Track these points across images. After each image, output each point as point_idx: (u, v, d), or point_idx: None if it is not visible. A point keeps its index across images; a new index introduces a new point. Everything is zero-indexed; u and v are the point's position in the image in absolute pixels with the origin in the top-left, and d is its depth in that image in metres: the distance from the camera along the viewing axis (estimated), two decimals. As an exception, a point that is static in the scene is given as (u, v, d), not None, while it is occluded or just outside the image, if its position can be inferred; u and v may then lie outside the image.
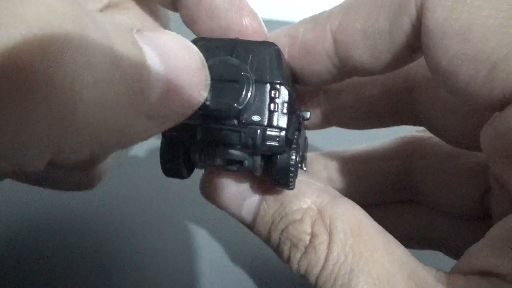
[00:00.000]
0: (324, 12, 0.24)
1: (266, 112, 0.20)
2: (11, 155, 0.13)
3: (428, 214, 0.29)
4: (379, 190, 0.30)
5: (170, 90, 0.16)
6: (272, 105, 0.20)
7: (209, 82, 0.18)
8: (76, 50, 0.13)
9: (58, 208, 0.36)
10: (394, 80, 0.28)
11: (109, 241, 0.35)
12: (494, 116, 0.21)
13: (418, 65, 0.26)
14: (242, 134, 0.19)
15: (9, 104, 0.12)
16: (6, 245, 0.34)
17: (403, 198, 0.30)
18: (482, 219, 0.27)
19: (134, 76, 0.15)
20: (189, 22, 0.23)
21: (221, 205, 0.23)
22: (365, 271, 0.20)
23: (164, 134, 0.21)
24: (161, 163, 0.22)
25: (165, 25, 0.27)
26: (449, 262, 0.26)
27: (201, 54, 0.18)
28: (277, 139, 0.19)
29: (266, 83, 0.20)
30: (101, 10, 0.25)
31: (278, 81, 0.20)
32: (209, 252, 0.35)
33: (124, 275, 0.33)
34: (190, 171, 0.23)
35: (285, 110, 0.20)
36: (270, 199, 0.22)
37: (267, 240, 0.23)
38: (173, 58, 0.16)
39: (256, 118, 0.20)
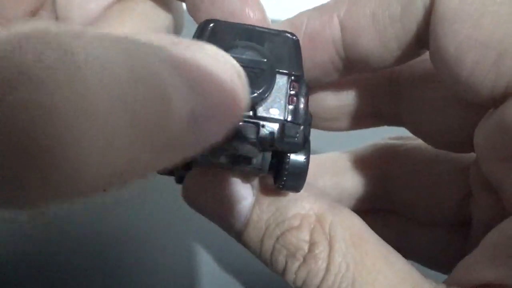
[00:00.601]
0: (330, 1, 0.23)
1: (284, 105, 0.18)
2: None
3: (404, 223, 0.29)
4: (352, 198, 0.30)
5: (194, 127, 0.13)
6: (291, 99, 0.18)
7: (247, 102, 0.15)
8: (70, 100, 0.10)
9: (55, 209, 0.34)
10: (377, 80, 0.27)
11: (107, 242, 0.34)
12: (490, 111, 0.21)
13: (403, 65, 0.26)
14: (261, 127, 0.17)
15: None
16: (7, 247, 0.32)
17: (377, 207, 0.30)
18: (461, 228, 0.27)
19: (152, 114, 0.12)
20: (192, 11, 0.21)
21: (206, 211, 0.21)
22: (368, 282, 0.19)
23: None
24: None
25: (178, 20, 0.25)
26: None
27: (245, 81, 0.14)
28: (296, 135, 0.18)
29: (285, 74, 0.18)
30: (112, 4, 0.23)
31: (298, 74, 0.18)
32: (209, 254, 0.34)
33: (122, 276, 0.32)
34: (185, 171, 0.20)
35: (302, 105, 0.18)
36: (264, 203, 0.21)
37: (257, 249, 0.21)
38: (206, 91, 0.13)
39: (274, 111, 0.18)
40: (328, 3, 0.23)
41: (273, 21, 0.23)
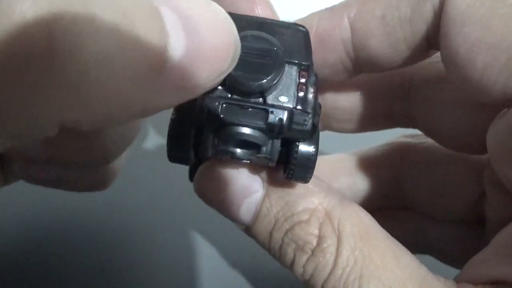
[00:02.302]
0: (340, 2, 0.23)
1: (293, 93, 0.18)
2: (22, 126, 0.13)
3: (420, 220, 0.29)
4: (367, 197, 0.30)
5: (188, 70, 0.15)
6: (300, 87, 0.18)
7: (236, 60, 0.16)
8: (81, 28, 0.13)
9: (56, 209, 0.35)
10: (390, 82, 0.27)
11: (106, 242, 0.34)
12: (502, 112, 0.21)
13: (415, 66, 0.26)
14: (270, 113, 0.18)
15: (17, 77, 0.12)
16: (8, 248, 0.33)
17: (393, 204, 0.30)
18: (476, 224, 0.27)
19: (148, 54, 0.14)
20: None
21: (217, 203, 0.22)
22: (376, 277, 0.19)
23: (178, 110, 0.19)
24: (168, 144, 0.20)
25: None
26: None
27: (234, 28, 0.16)
28: (305, 123, 0.18)
29: (295, 63, 0.19)
30: None
31: (308, 63, 0.19)
32: (211, 254, 0.34)
33: (123, 277, 0.32)
34: (196, 160, 0.21)
35: (311, 94, 0.19)
36: (274, 197, 0.21)
37: (266, 242, 0.21)
38: (201, 34, 0.14)
39: (283, 98, 0.18)
40: (338, 4, 0.23)
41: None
